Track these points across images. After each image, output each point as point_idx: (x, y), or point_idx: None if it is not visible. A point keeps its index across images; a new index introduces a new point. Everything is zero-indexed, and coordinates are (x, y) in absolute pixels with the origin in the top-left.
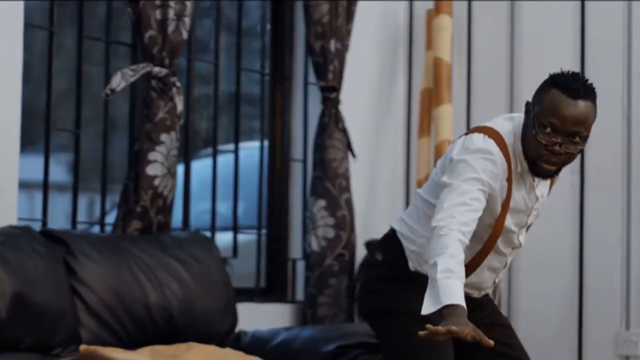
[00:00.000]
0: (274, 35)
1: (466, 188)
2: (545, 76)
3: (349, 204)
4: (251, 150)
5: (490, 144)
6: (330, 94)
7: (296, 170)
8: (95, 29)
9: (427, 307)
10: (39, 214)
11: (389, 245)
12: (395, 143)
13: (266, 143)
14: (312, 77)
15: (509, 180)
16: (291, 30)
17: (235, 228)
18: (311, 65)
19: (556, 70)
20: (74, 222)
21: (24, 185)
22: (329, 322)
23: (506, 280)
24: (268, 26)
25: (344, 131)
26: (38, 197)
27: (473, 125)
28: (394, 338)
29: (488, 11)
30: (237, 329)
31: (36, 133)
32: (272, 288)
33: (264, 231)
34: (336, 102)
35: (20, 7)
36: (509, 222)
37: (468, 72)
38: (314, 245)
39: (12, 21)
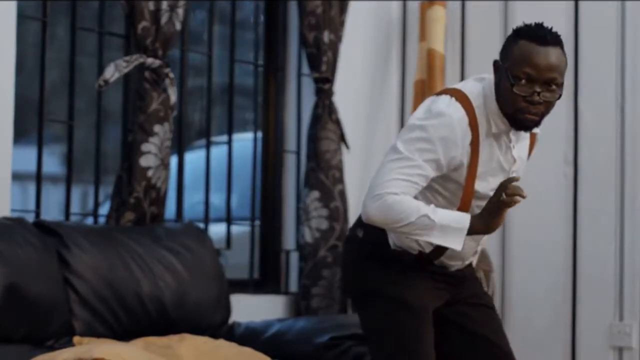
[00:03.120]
0: (268, 26)
1: (414, 164)
2: None
3: (343, 195)
4: (244, 141)
5: (454, 108)
6: (324, 85)
7: (290, 161)
8: (88, 20)
9: (457, 241)
10: (32, 206)
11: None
12: (388, 134)
13: (259, 134)
14: (305, 69)
15: (474, 144)
16: (284, 21)
17: (228, 219)
18: (305, 57)
19: None
20: (67, 213)
21: (17, 177)
22: (322, 314)
23: (499, 271)
24: (261, 17)
25: (338, 122)
26: (31, 188)
27: None
28: (379, 324)
29: (482, 2)
30: (230, 321)
31: (29, 124)
32: (266, 279)
33: (257, 222)
34: (330, 93)
35: None
36: (484, 187)
37: (462, 63)
38: (308, 237)
39: (4, 12)
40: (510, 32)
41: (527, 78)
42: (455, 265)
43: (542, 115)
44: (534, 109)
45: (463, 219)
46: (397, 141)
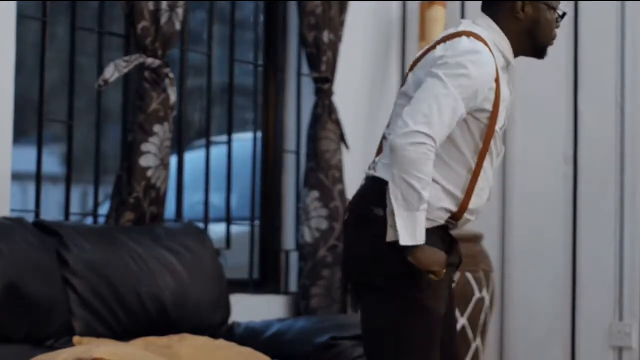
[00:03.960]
0: (267, 26)
1: (457, 106)
2: (538, 66)
3: (343, 195)
4: (244, 141)
5: (480, 45)
6: (324, 85)
7: (289, 161)
8: (88, 20)
9: (404, 238)
10: (32, 206)
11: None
12: None
13: (259, 134)
14: (305, 69)
15: (497, 80)
16: (284, 21)
17: (228, 219)
18: (304, 57)
19: (550, 57)
20: (67, 213)
21: (17, 177)
22: (322, 314)
23: (499, 271)
24: (261, 17)
25: (338, 122)
26: (31, 188)
27: None
28: (392, 325)
29: (481, 2)
30: (230, 321)
31: (29, 124)
32: (266, 279)
33: (257, 222)
34: (330, 93)
35: None
36: (499, 126)
37: None
38: (308, 237)
39: (4, 12)
40: None
41: (557, 6)
42: (470, 219)
43: None
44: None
45: (423, 236)
46: (441, 73)
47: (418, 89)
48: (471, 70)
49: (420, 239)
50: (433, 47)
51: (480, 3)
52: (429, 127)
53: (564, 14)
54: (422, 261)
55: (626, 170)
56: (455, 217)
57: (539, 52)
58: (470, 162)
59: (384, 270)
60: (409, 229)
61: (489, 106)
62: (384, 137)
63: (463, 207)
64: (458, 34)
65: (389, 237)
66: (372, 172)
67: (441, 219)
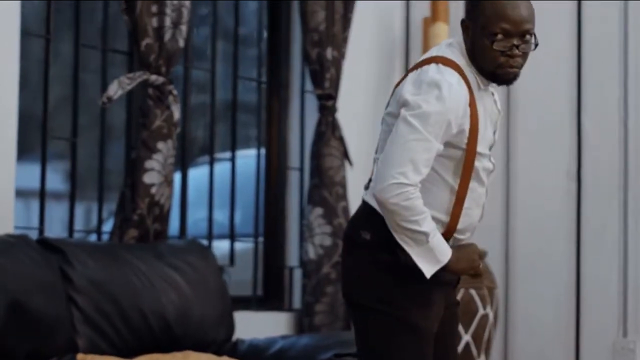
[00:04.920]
0: (271, 43)
1: (431, 146)
2: (542, 79)
3: (346, 212)
4: (248, 158)
5: (448, 73)
6: (327, 102)
7: (293, 178)
8: (92, 37)
9: (429, 269)
10: (35, 223)
11: (376, 222)
12: None
13: (263, 151)
14: (308, 85)
15: (471, 104)
16: (288, 38)
17: (232, 236)
18: (308, 73)
19: (553, 74)
20: (70, 230)
21: (20, 194)
22: (325, 330)
23: (503, 287)
24: (265, 34)
25: (341, 139)
26: (35, 205)
27: None
28: (381, 344)
29: None
30: (234, 338)
31: (33, 141)
32: (269, 296)
33: (260, 239)
34: (333, 110)
35: (16, 14)
36: (482, 145)
37: None
38: (311, 253)
39: (8, 29)
40: None
41: (504, 33)
42: (464, 238)
43: (521, 67)
44: (514, 62)
45: (446, 253)
46: (408, 116)
47: (394, 118)
48: (437, 106)
49: (443, 259)
50: (410, 71)
51: None
52: (405, 176)
53: (514, 45)
54: (459, 270)
55: (629, 186)
56: (445, 238)
57: (492, 78)
58: (453, 184)
59: (373, 292)
60: (430, 259)
61: (466, 130)
62: (374, 161)
63: (450, 228)
64: (428, 60)
65: (427, 273)
66: (363, 195)
67: None
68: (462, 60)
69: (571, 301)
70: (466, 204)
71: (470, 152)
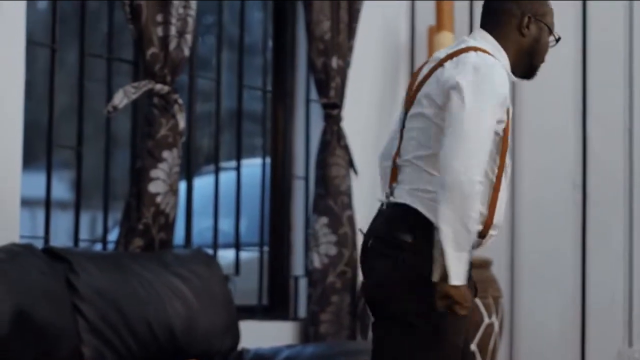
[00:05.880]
0: (276, 52)
1: (491, 123)
2: (547, 85)
3: (351, 221)
4: (253, 167)
5: (489, 59)
6: (332, 110)
7: (298, 187)
8: (97, 46)
9: (454, 279)
10: (41, 232)
11: (416, 222)
12: None
13: (268, 160)
14: (314, 94)
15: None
16: (293, 47)
17: (237, 245)
18: (313, 82)
19: (557, 81)
20: (76, 239)
21: (26, 203)
22: (331, 340)
23: (508, 296)
24: (270, 43)
25: (346, 148)
26: (40, 214)
27: None
28: (406, 355)
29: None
30: (239, 347)
31: (38, 150)
32: (274, 305)
33: (266, 248)
34: (338, 119)
35: (22, 24)
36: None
37: None
38: (316, 263)
39: (14, 38)
40: None
41: (553, 30)
42: (495, 235)
43: None
44: None
45: (465, 276)
46: (467, 98)
47: (437, 109)
48: (495, 82)
49: (464, 279)
50: (440, 65)
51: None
52: (477, 167)
53: (559, 38)
54: (457, 298)
55: (635, 194)
56: (481, 236)
57: (531, 71)
58: (492, 176)
59: (412, 301)
60: (459, 269)
61: (505, 115)
62: (394, 163)
63: (488, 223)
64: (466, 49)
65: (435, 277)
66: (392, 199)
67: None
68: (496, 53)
69: (576, 310)
70: (500, 197)
71: (505, 142)
